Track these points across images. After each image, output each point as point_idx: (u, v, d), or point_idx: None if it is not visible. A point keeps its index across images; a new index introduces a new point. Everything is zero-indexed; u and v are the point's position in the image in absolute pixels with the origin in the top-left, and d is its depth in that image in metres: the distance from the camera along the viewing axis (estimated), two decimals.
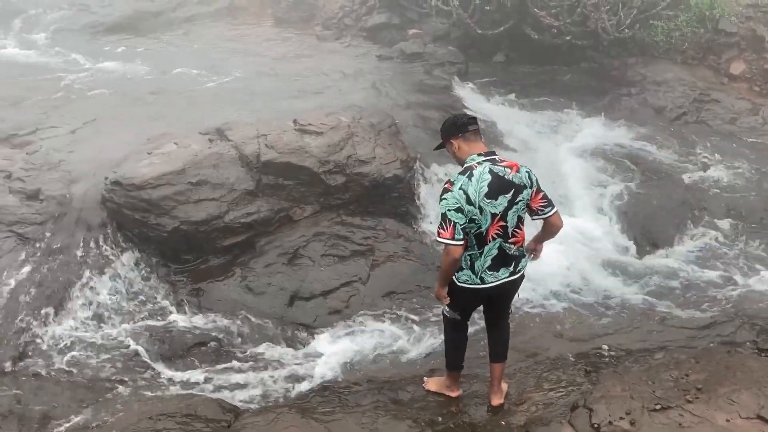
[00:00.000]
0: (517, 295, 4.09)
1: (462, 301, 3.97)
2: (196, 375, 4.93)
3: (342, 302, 5.66)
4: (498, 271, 3.81)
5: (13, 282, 5.28)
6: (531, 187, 3.74)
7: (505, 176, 3.67)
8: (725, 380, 3.89)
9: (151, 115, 7.39)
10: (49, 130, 7.16)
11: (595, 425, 3.67)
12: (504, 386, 4.32)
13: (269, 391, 4.81)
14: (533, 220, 3.87)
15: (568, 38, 9.36)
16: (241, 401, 4.65)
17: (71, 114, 7.57)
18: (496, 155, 3.78)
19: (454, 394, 4.40)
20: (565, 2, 9.15)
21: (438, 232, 3.69)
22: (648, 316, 5.51)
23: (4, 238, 5.67)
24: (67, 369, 4.84)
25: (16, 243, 5.62)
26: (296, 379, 4.94)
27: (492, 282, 3.82)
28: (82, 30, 11.70)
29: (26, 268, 5.41)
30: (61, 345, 5.03)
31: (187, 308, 5.47)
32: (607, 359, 4.81)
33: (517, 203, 3.70)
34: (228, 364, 5.05)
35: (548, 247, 6.47)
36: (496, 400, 4.24)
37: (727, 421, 3.58)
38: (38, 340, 5.02)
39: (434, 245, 6.21)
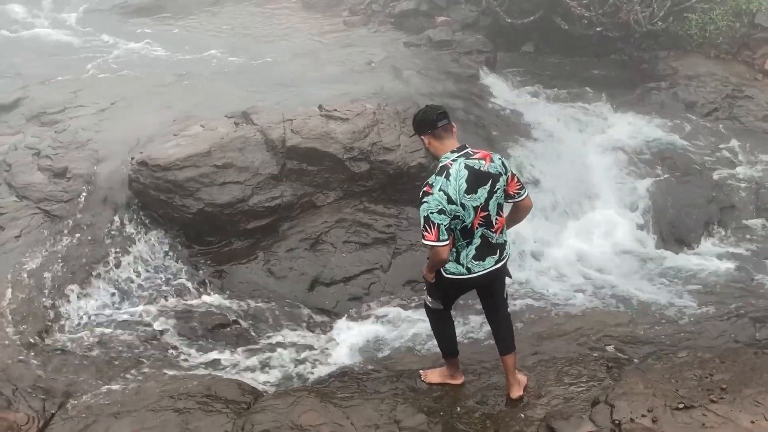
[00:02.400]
0: (507, 283, 4.09)
1: (445, 291, 4.01)
2: (217, 356, 4.97)
3: (363, 289, 5.66)
4: (484, 261, 3.83)
5: (39, 258, 5.37)
6: (506, 174, 3.79)
7: (481, 168, 3.70)
8: (751, 381, 3.81)
9: (178, 96, 7.42)
10: (78, 109, 7.25)
11: (616, 421, 3.62)
12: (522, 378, 4.27)
13: (288, 374, 4.84)
14: (507, 203, 3.90)
15: (598, 29, 9.20)
16: (260, 383, 4.68)
17: (99, 94, 7.64)
18: (468, 148, 3.78)
19: (457, 382, 4.38)
20: None
21: (423, 235, 3.66)
22: (672, 314, 5.43)
23: (31, 214, 5.76)
24: (90, 345, 4.91)
25: (43, 220, 5.71)
26: (315, 363, 4.96)
27: (479, 272, 3.84)
28: (112, 11, 11.79)
29: (52, 245, 5.49)
30: (85, 321, 5.11)
31: (209, 289, 5.51)
32: (628, 356, 4.76)
33: (495, 192, 3.75)
34: (248, 346, 5.09)
35: (571, 241, 6.45)
36: (515, 393, 4.17)
37: (752, 422, 3.51)
38: (63, 316, 5.09)
39: None
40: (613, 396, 3.83)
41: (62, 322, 5.06)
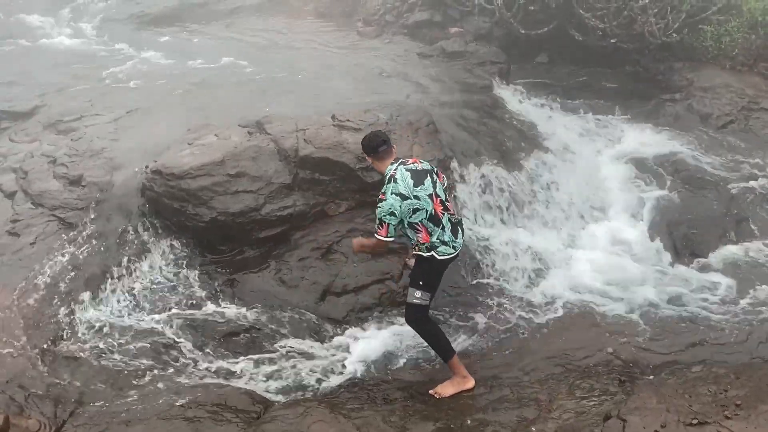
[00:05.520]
0: None
1: (435, 277, 4.61)
2: (228, 365, 4.98)
3: (373, 299, 5.65)
4: (457, 238, 4.60)
5: (53, 265, 5.41)
6: (434, 169, 4.70)
7: (417, 168, 4.57)
8: (767, 397, 3.77)
9: (193, 105, 7.48)
10: (94, 117, 7.31)
11: None
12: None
13: (299, 384, 4.84)
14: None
15: (613, 41, 9.18)
16: (270, 393, 4.68)
17: (115, 102, 7.72)
18: (401, 158, 4.68)
19: (471, 384, 4.56)
20: (611, 4, 8.97)
21: (376, 231, 4.48)
22: (685, 327, 5.38)
23: (46, 221, 5.82)
24: (102, 353, 4.94)
25: (58, 227, 5.76)
26: (326, 373, 4.96)
27: (458, 248, 4.62)
28: (128, 20, 11.91)
29: (66, 252, 5.54)
30: (98, 329, 5.13)
31: (221, 298, 5.52)
32: (641, 369, 4.71)
33: (435, 182, 4.57)
34: (259, 356, 5.09)
35: (584, 252, 6.42)
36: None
37: None
38: (76, 324, 5.13)
39: (469, 245, 6.16)
40: (626, 410, 3.80)
41: (75, 330, 5.09)
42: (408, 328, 4.84)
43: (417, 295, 4.53)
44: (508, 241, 6.31)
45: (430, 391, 4.55)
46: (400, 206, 4.37)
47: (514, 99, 8.39)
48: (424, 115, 6.71)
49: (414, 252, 4.63)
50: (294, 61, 9.18)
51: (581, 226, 6.80)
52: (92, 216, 5.80)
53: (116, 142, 6.63)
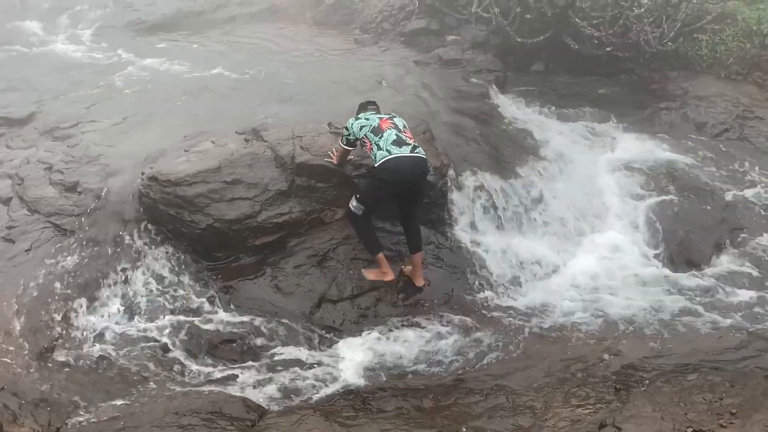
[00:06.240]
0: None
1: (376, 191, 5.58)
2: (223, 372, 4.97)
3: (369, 307, 5.65)
4: (401, 148, 5.41)
5: (48, 272, 5.40)
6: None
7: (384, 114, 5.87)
8: (761, 406, 3.78)
9: (190, 112, 7.48)
10: (90, 124, 7.31)
11: None
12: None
13: (294, 391, 4.82)
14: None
15: (608, 49, 9.22)
16: (265, 400, 4.67)
17: (112, 109, 7.71)
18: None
19: (390, 278, 5.63)
20: (607, 13, 9.03)
21: (341, 141, 5.80)
22: (681, 335, 5.38)
23: (42, 228, 5.81)
24: (97, 360, 4.93)
25: (53, 233, 5.75)
26: (321, 381, 4.94)
27: (396, 154, 5.39)
28: (126, 27, 11.91)
29: (62, 259, 5.52)
30: (93, 336, 5.12)
31: (217, 305, 5.51)
32: (637, 378, 4.70)
33: (394, 116, 5.79)
34: (255, 363, 5.08)
35: (579, 259, 6.44)
36: (420, 282, 5.77)
37: None
38: (71, 330, 5.11)
39: (465, 253, 6.17)
40: (621, 419, 3.80)
41: (69, 337, 5.07)
42: (404, 334, 5.02)
43: (353, 204, 5.53)
44: (503, 249, 6.33)
45: (362, 269, 5.74)
46: (352, 124, 5.62)
47: (510, 107, 8.41)
48: (420, 123, 6.73)
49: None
50: (291, 69, 9.20)
51: (577, 233, 6.81)
52: (88, 222, 5.79)
53: (113, 149, 6.62)
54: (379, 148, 5.41)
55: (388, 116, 5.70)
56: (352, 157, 6.02)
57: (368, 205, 5.53)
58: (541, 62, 9.98)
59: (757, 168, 7.79)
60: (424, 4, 10.58)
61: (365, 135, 5.53)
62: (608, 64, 9.58)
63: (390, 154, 5.36)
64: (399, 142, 5.43)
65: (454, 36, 10.15)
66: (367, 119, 5.60)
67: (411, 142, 5.51)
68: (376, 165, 5.42)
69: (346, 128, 5.68)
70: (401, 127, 5.60)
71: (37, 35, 11.84)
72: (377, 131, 5.50)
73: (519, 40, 9.48)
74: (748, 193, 7.38)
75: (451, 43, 9.91)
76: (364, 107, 5.92)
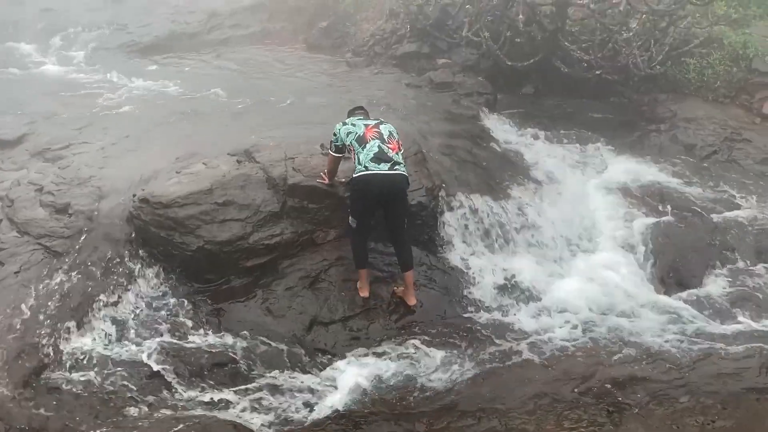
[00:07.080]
0: None
1: (359, 202, 5.58)
2: (214, 395, 4.92)
3: (361, 329, 5.63)
4: (379, 165, 5.43)
5: (38, 294, 5.35)
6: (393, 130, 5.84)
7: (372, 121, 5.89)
8: (753, 429, 3.77)
9: (182, 134, 7.50)
10: (82, 145, 7.31)
11: None
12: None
13: (286, 415, 4.78)
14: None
15: (598, 72, 9.32)
16: (257, 425, 4.62)
17: (103, 131, 7.72)
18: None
19: (363, 294, 5.75)
20: (596, 37, 9.15)
21: (329, 148, 5.92)
22: (673, 357, 5.38)
23: (32, 250, 5.77)
24: (86, 384, 4.87)
25: (43, 256, 5.71)
26: (313, 404, 4.90)
27: (374, 170, 5.42)
28: (119, 49, 11.98)
29: (52, 281, 5.49)
30: (82, 359, 5.06)
31: (207, 328, 5.48)
32: (629, 401, 4.69)
33: (381, 124, 5.79)
34: (245, 386, 5.03)
35: (570, 280, 6.45)
36: (412, 301, 5.79)
37: None
38: (60, 354, 5.06)
39: (457, 274, 6.17)
40: None
41: (59, 360, 5.02)
42: (397, 357, 5.06)
43: (350, 219, 5.63)
44: (494, 270, 6.34)
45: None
46: (339, 129, 5.69)
47: (500, 129, 8.48)
48: (412, 144, 6.77)
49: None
50: (284, 91, 9.25)
51: (568, 254, 6.83)
52: (78, 244, 5.76)
53: (104, 170, 6.62)
54: (359, 162, 5.47)
55: (375, 123, 5.71)
56: (343, 180, 6.01)
57: (356, 216, 5.58)
58: (531, 85, 10.08)
59: (745, 190, 7.86)
60: (415, 29, 10.70)
61: (351, 143, 5.59)
62: (598, 87, 9.69)
63: (366, 170, 5.41)
64: (379, 157, 5.44)
65: (445, 59, 10.25)
66: (354, 125, 5.64)
67: (392, 155, 5.50)
68: (354, 176, 5.51)
69: (334, 133, 5.73)
70: (386, 137, 5.58)
71: (30, 57, 11.88)
72: (361, 141, 5.53)
73: (509, 63, 9.58)
74: (738, 213, 7.43)
75: (442, 66, 10.01)
76: (352, 112, 5.97)
